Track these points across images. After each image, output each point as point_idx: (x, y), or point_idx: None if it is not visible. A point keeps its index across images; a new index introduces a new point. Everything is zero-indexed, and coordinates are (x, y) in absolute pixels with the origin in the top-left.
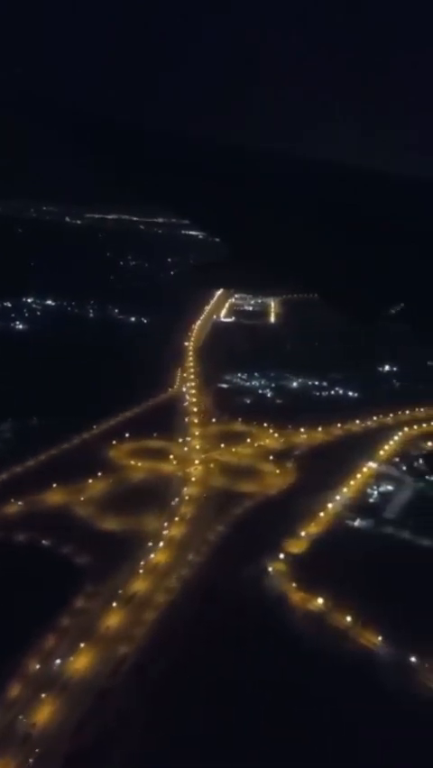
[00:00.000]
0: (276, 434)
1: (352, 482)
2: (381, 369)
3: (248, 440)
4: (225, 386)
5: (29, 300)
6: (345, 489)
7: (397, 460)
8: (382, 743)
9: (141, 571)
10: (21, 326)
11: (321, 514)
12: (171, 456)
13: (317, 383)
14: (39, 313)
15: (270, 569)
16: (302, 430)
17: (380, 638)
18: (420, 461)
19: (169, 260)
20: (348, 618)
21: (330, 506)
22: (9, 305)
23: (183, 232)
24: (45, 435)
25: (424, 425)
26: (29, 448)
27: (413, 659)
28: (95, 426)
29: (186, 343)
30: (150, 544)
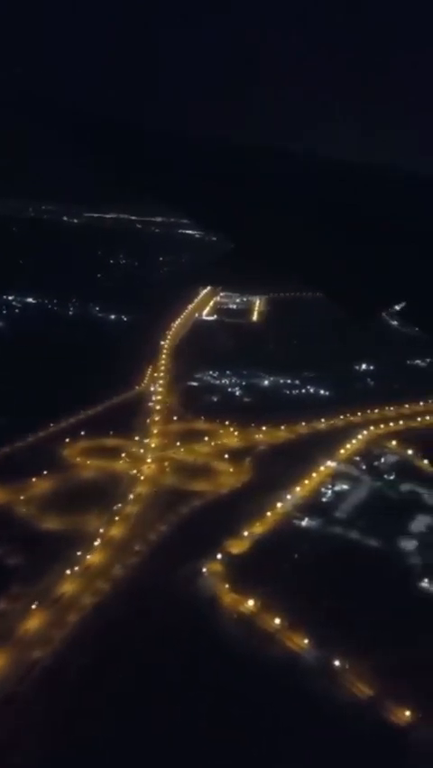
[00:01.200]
0: (237, 433)
1: (307, 481)
2: (357, 367)
3: (207, 438)
4: (194, 384)
5: (9, 298)
6: (297, 489)
7: (358, 459)
8: (297, 746)
9: (71, 572)
10: None
11: (268, 513)
12: (125, 455)
13: (289, 381)
14: (17, 310)
15: (204, 570)
16: (264, 428)
17: (306, 641)
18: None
19: (160, 258)
20: (277, 621)
21: (279, 505)
22: None
23: (180, 231)
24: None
25: (391, 423)
26: None
27: (337, 662)
28: (51, 424)
29: (162, 342)
30: (87, 544)
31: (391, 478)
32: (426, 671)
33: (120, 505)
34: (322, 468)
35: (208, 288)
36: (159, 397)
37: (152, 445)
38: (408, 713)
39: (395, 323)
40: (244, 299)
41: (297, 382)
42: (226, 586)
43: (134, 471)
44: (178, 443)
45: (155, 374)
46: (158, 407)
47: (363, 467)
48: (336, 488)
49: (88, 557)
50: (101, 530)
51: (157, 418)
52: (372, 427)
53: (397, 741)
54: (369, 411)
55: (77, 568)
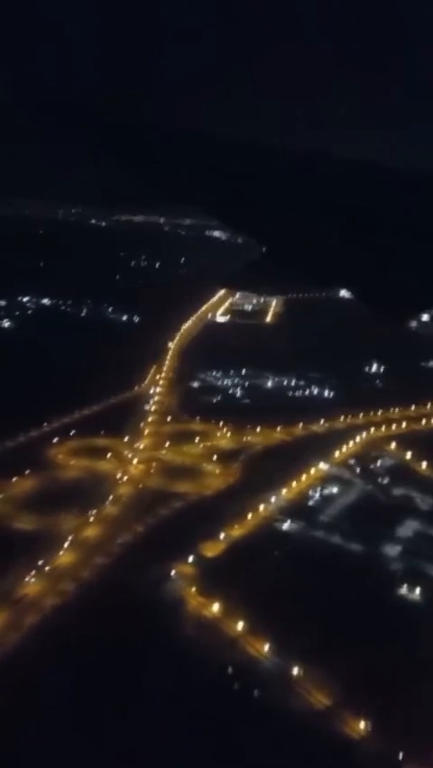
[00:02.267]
0: (229, 434)
1: (294, 484)
2: (367, 369)
3: (198, 440)
4: (195, 384)
5: (24, 299)
6: (284, 491)
7: (352, 462)
8: (249, 754)
9: (37, 572)
10: (6, 324)
11: (249, 516)
12: (112, 455)
13: (293, 382)
14: (30, 312)
15: (172, 572)
16: (258, 430)
17: (267, 647)
18: None
19: (182, 260)
20: (239, 625)
21: (262, 507)
22: (3, 303)
23: (207, 233)
24: None
25: (394, 426)
26: None
27: (295, 670)
28: (45, 424)
29: (170, 343)
30: (58, 545)
31: (385, 481)
32: (387, 681)
33: (98, 505)
34: (313, 470)
35: (226, 289)
36: (157, 398)
37: (141, 446)
38: (362, 725)
39: (414, 324)
40: (261, 300)
41: (301, 383)
42: (193, 589)
43: (119, 472)
44: (166, 444)
45: (158, 375)
46: (154, 408)
47: (357, 470)
48: (325, 491)
49: (56, 558)
50: (78, 531)
51: (151, 419)
52: (372, 429)
53: (346, 754)
54: (372, 413)
55: (42, 569)
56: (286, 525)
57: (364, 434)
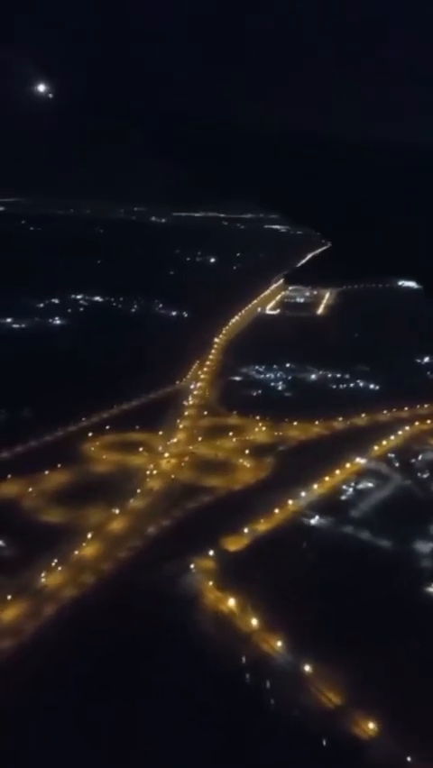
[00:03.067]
0: (265, 428)
1: (328, 479)
2: (419, 360)
3: (235, 433)
4: (237, 379)
5: (78, 297)
6: (315, 486)
7: (392, 456)
8: (245, 751)
9: (58, 564)
10: (57, 321)
11: (276, 511)
12: (145, 450)
13: (338, 376)
14: (82, 309)
15: (192, 566)
16: (295, 424)
17: (280, 644)
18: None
19: (238, 254)
20: (254, 621)
21: (291, 502)
22: (56, 301)
23: (266, 227)
24: (29, 427)
25: None
26: (5, 439)
27: (307, 668)
28: (83, 419)
29: (217, 337)
30: (82, 538)
31: (425, 476)
32: (403, 682)
33: (127, 499)
34: (348, 465)
35: (280, 281)
36: (197, 393)
37: (174, 441)
38: (371, 726)
39: None
40: (314, 293)
41: (347, 376)
42: (210, 583)
43: (149, 466)
44: (200, 439)
45: (201, 369)
46: (192, 403)
47: (397, 464)
48: (360, 486)
49: (78, 550)
50: (104, 524)
51: (187, 414)
52: (417, 423)
53: (353, 755)
54: (418, 406)
55: (64, 561)
56: (314, 521)
57: (408, 428)
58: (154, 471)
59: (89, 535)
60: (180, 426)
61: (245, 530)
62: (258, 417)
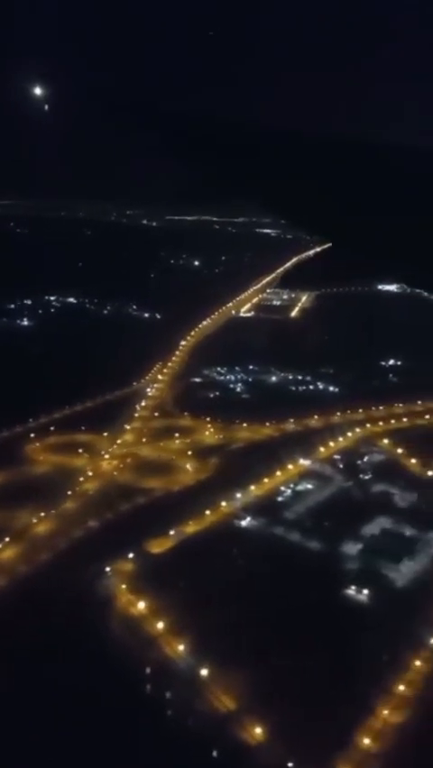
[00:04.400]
0: (215, 430)
1: (267, 480)
2: (383, 363)
3: (183, 435)
4: (197, 380)
5: (51, 298)
6: (253, 488)
7: (338, 457)
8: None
9: None
10: (25, 323)
11: (207, 512)
12: (88, 451)
13: (299, 378)
14: (53, 310)
15: (108, 569)
16: (245, 425)
17: (183, 648)
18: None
19: (223, 258)
20: (160, 625)
21: (224, 504)
22: (29, 302)
23: (257, 230)
24: None
25: (393, 421)
26: None
27: (205, 672)
28: (30, 420)
29: (185, 339)
30: (6, 539)
31: (367, 478)
32: (302, 688)
33: (59, 501)
34: (291, 466)
35: (261, 284)
36: (153, 394)
37: (119, 442)
38: (259, 731)
39: None
40: (292, 295)
41: (308, 378)
42: (124, 586)
43: (91, 468)
44: (144, 440)
45: (161, 371)
46: (145, 404)
47: (341, 466)
48: (299, 487)
49: None
50: (29, 527)
51: (138, 415)
52: (368, 425)
53: (236, 760)
54: (373, 408)
55: None
56: (245, 523)
57: (359, 430)
58: (93, 473)
59: (7, 539)
60: (128, 428)
61: (171, 532)
62: (209, 419)
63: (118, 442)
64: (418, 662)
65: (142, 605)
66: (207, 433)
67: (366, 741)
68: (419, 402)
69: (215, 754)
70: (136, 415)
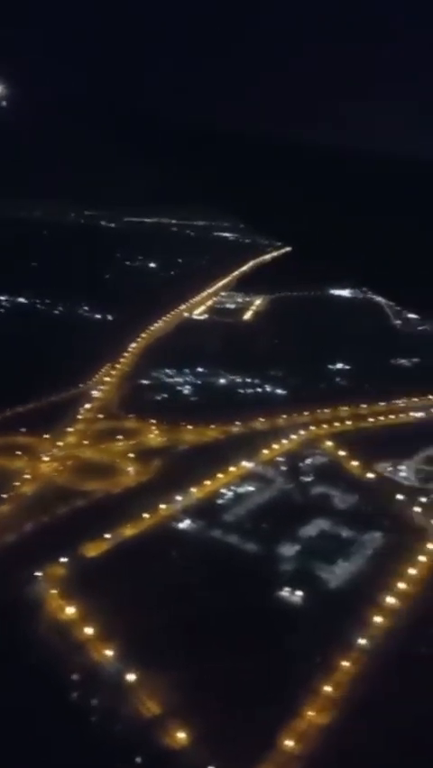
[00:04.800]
0: (159, 432)
1: (208, 482)
2: (332, 367)
3: (127, 437)
4: (145, 382)
5: (1, 298)
6: (194, 490)
7: (281, 460)
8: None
9: None
10: None
11: (146, 515)
12: (27, 453)
13: (248, 380)
14: (2, 310)
15: (39, 574)
16: (190, 428)
17: (111, 652)
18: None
19: (179, 260)
20: (89, 630)
21: (163, 506)
22: None
23: (215, 234)
24: None
25: (337, 423)
26: None
27: (133, 677)
28: None
29: (135, 340)
30: None
31: (308, 480)
32: (230, 692)
33: None
34: (233, 468)
35: (216, 287)
36: (99, 395)
37: (60, 444)
38: (182, 736)
39: (398, 322)
40: (247, 299)
41: (256, 381)
42: (54, 591)
43: (29, 470)
44: (86, 442)
45: (109, 373)
46: (90, 406)
47: (283, 468)
48: (240, 489)
49: None
50: None
51: (82, 416)
52: (313, 428)
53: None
54: (319, 411)
55: None
56: (183, 525)
57: (303, 432)
58: (29, 476)
59: None
60: (70, 430)
61: (107, 535)
62: (154, 421)
63: (59, 444)
64: (345, 663)
65: (71, 610)
66: (151, 435)
67: (289, 743)
68: (364, 405)
69: (138, 760)
70: (80, 416)
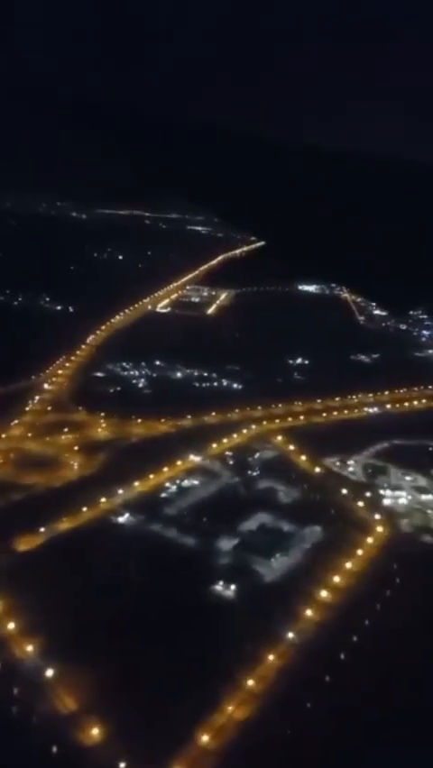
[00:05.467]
0: (108, 425)
1: (153, 476)
2: (291, 362)
3: (74, 430)
4: (99, 375)
5: None
6: (136, 484)
7: (229, 454)
8: None
9: None
10: None
11: (85, 509)
12: None
13: (204, 374)
14: None
15: None
16: (139, 421)
17: (31, 648)
18: None
19: (148, 253)
20: (12, 626)
21: (104, 500)
22: None
23: (188, 227)
24: None
25: (290, 418)
26: None
27: (51, 673)
28: None
29: (95, 333)
30: None
31: (254, 474)
32: (149, 684)
33: None
34: (180, 462)
35: (183, 280)
36: (50, 388)
37: (3, 436)
38: (96, 731)
39: (362, 318)
40: (212, 292)
41: (214, 375)
42: None
43: None
44: (30, 435)
45: (65, 365)
46: (39, 398)
47: (230, 462)
48: (184, 483)
49: None
50: None
51: (30, 409)
52: (265, 422)
53: (68, 762)
54: (273, 405)
55: None
56: (122, 519)
57: (255, 426)
58: None
59: None
60: (16, 422)
61: (42, 529)
62: (104, 414)
63: (2, 436)
64: (271, 657)
65: None
66: (99, 428)
67: (205, 738)
68: (319, 400)
69: (52, 755)
70: (28, 409)
